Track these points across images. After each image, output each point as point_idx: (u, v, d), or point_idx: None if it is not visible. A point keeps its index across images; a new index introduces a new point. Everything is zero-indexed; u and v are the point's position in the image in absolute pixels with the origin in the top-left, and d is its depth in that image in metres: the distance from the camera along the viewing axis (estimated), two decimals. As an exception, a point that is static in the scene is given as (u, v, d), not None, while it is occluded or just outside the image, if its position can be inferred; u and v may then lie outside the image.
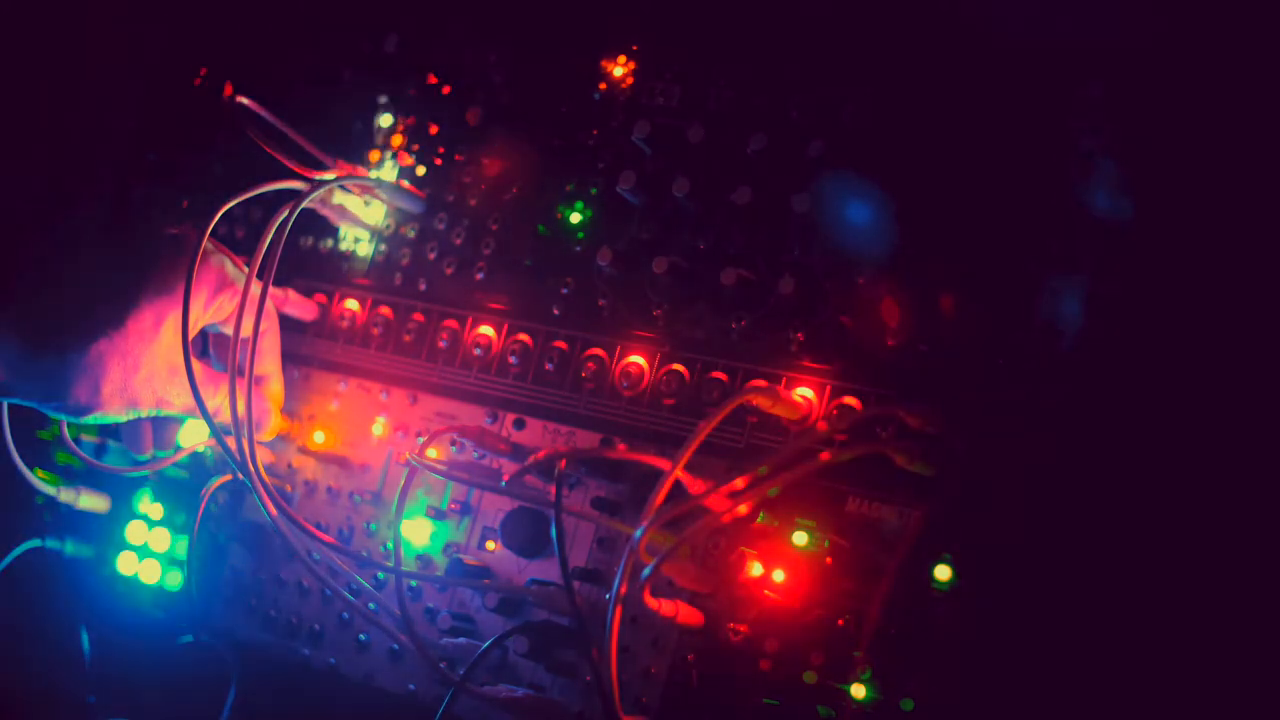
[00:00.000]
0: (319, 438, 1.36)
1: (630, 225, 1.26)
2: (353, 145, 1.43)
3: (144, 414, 1.19)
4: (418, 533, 1.28)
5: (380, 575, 1.29)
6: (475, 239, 1.34)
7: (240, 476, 1.16)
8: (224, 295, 1.21)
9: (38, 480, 1.36)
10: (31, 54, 1.63)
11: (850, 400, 1.13)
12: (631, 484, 1.20)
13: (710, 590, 1.14)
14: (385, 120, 1.43)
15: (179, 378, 1.17)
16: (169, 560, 1.44)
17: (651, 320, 1.24)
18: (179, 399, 1.20)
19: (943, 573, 1.05)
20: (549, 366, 1.27)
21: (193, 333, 1.18)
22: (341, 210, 1.37)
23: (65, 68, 1.64)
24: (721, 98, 1.24)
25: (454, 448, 1.28)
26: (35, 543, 1.48)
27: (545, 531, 1.22)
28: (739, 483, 0.98)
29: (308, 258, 1.43)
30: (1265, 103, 1.04)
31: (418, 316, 1.35)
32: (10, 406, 1.28)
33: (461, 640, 1.22)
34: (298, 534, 1.18)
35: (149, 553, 1.45)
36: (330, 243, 1.42)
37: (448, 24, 1.41)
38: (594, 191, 1.29)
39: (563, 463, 1.08)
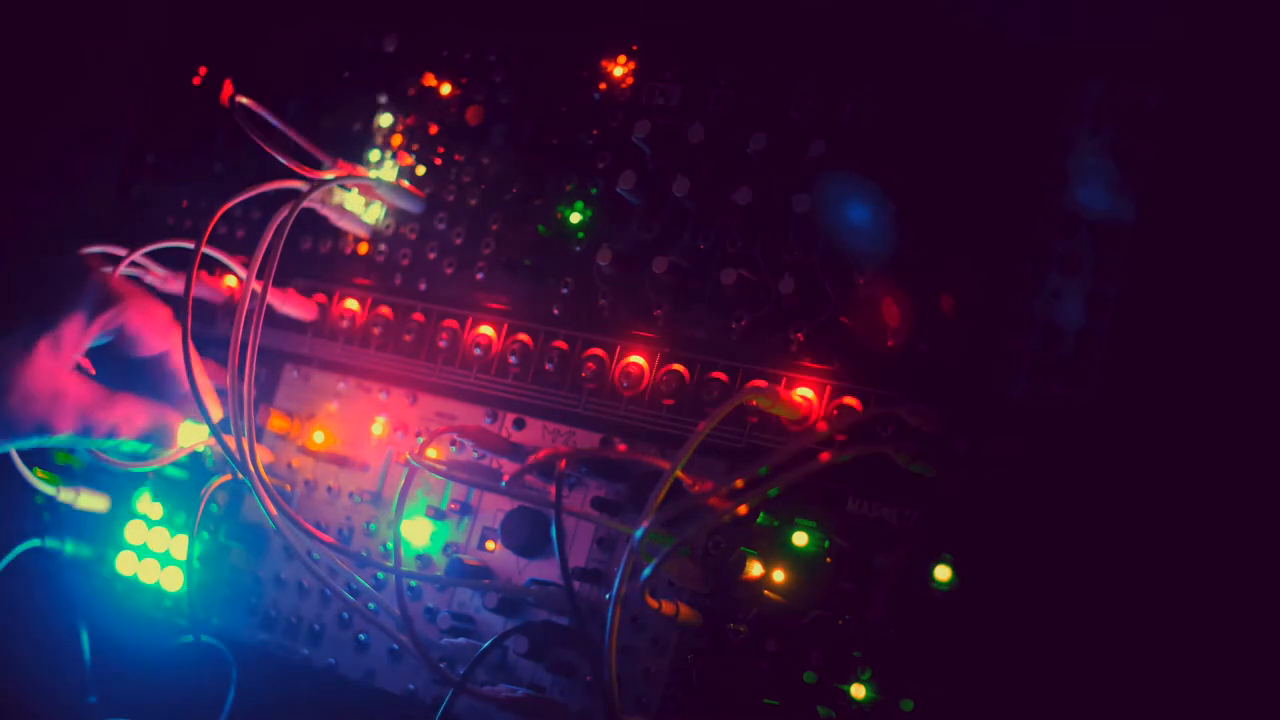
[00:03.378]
0: (319, 438, 1.36)
1: (630, 225, 1.26)
2: (353, 145, 1.43)
3: (26, 440, 1.16)
4: (418, 533, 1.28)
5: (380, 575, 1.29)
6: (475, 239, 1.34)
7: (240, 476, 1.16)
8: (110, 312, 1.17)
9: (37, 480, 1.36)
10: (32, 54, 1.63)
11: (850, 400, 1.13)
12: (631, 484, 1.20)
13: (710, 590, 1.14)
14: (385, 120, 1.43)
15: (64, 402, 1.16)
16: (169, 560, 1.44)
17: (651, 320, 1.24)
18: (64, 422, 1.18)
19: (943, 573, 1.05)
20: (549, 366, 1.27)
21: (79, 352, 1.16)
22: (341, 210, 1.37)
23: (65, 68, 1.64)
24: (721, 98, 1.24)
25: (454, 448, 1.28)
26: (35, 543, 1.48)
27: (545, 531, 1.22)
28: (739, 483, 0.98)
29: (308, 258, 1.43)
30: (1266, 101, 1.04)
31: (418, 316, 1.35)
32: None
33: (461, 640, 1.22)
34: (298, 534, 1.18)
35: (149, 553, 1.45)
36: (330, 243, 1.42)
37: (447, 24, 1.41)
38: (594, 191, 1.29)
39: (563, 463, 1.08)
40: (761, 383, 1.15)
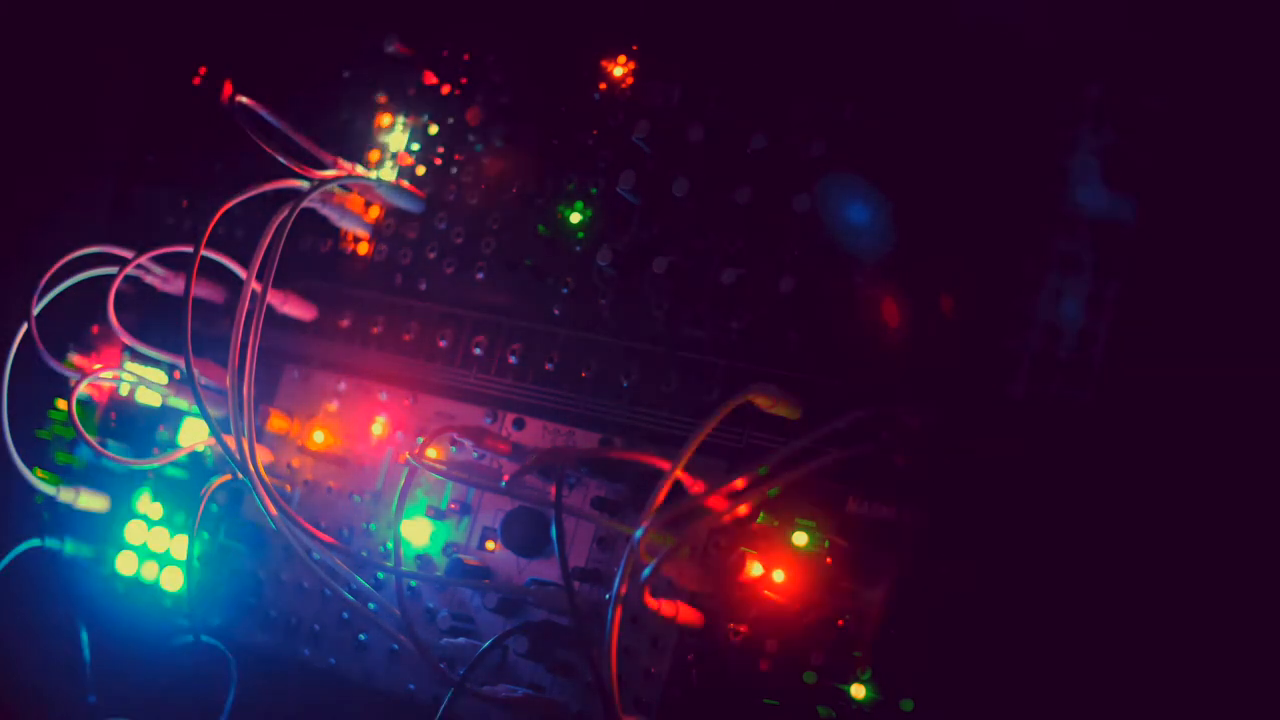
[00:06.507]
0: (319, 438, 1.36)
1: (630, 225, 1.26)
2: (353, 145, 1.43)
3: None
4: (418, 533, 1.28)
5: (380, 575, 1.29)
6: (475, 239, 1.34)
7: (240, 476, 1.16)
8: None
9: (37, 480, 1.36)
10: (32, 54, 1.63)
11: (850, 400, 1.13)
12: (631, 484, 1.20)
13: (710, 590, 1.14)
14: (385, 120, 1.43)
15: None
16: (169, 560, 1.44)
17: (651, 320, 1.24)
18: None
19: (942, 575, 1.05)
20: (549, 366, 1.27)
21: None
22: (341, 210, 1.37)
23: (65, 68, 1.64)
24: (721, 98, 1.24)
25: (453, 448, 1.28)
26: (35, 543, 1.48)
27: (545, 531, 1.22)
28: (739, 483, 0.98)
29: (308, 258, 1.43)
30: (1266, 101, 1.04)
31: (418, 316, 1.35)
32: (9, 406, 1.28)
33: (461, 640, 1.22)
34: (298, 534, 1.18)
35: (149, 553, 1.45)
36: (330, 243, 1.42)
37: (447, 23, 1.41)
38: (594, 191, 1.29)
39: (563, 463, 1.08)
40: (761, 383, 1.15)
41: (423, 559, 1.28)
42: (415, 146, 1.40)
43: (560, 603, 1.16)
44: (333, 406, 1.37)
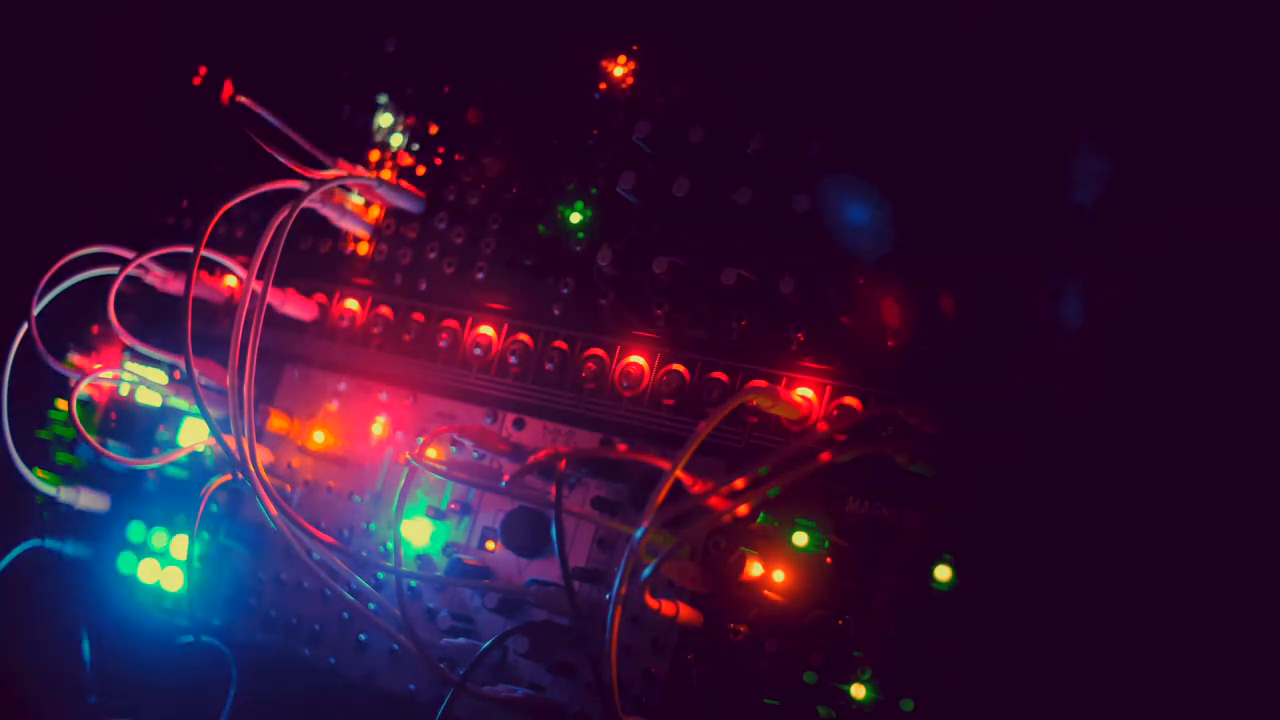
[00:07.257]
0: (319, 438, 1.36)
1: (630, 225, 1.26)
2: (352, 145, 1.43)
3: None
4: (418, 533, 1.28)
5: (380, 575, 1.29)
6: (475, 239, 1.34)
7: (240, 476, 1.16)
8: None
9: (37, 480, 1.36)
10: (32, 54, 1.63)
11: (850, 400, 1.13)
12: (631, 484, 1.20)
13: (710, 590, 1.14)
14: (385, 120, 1.43)
15: None
16: (169, 560, 1.44)
17: (651, 320, 1.24)
18: None
19: (943, 573, 1.05)
20: (549, 366, 1.27)
21: None
22: (341, 210, 1.37)
23: (66, 68, 1.64)
24: (721, 98, 1.24)
25: (454, 448, 1.28)
26: (35, 543, 1.48)
27: (545, 531, 1.21)
28: (739, 483, 0.98)
29: (308, 258, 1.43)
30: (1265, 101, 1.04)
31: (418, 316, 1.35)
32: (9, 406, 1.28)
33: (461, 640, 1.22)
34: (298, 534, 1.18)
35: (149, 552, 1.45)
36: (330, 243, 1.42)
37: (448, 24, 1.41)
38: (594, 191, 1.29)
39: (563, 463, 1.08)
40: (761, 383, 1.15)
41: (423, 559, 1.28)
42: (415, 146, 1.40)
43: (560, 603, 1.16)
44: (333, 406, 1.37)
